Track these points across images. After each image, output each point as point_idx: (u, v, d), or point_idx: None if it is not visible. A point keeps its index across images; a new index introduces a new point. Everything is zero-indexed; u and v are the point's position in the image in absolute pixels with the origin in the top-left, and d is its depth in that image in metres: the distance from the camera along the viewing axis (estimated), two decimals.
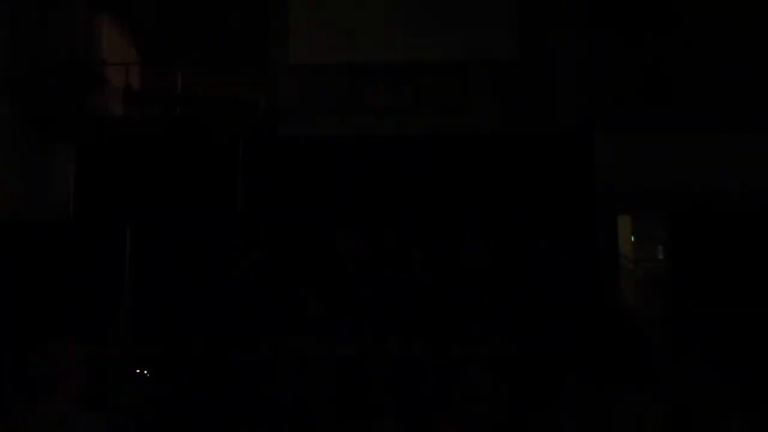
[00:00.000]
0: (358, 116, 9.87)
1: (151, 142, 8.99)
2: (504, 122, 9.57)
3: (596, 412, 2.35)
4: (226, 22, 11.32)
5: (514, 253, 7.64)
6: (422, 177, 8.47)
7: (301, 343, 6.76)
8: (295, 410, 3.76)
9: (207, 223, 8.19)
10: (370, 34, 9.91)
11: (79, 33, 10.78)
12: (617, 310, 8.80)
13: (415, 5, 9.98)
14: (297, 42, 9.99)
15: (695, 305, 7.49)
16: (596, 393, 2.37)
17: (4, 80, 9.21)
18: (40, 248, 7.99)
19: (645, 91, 9.08)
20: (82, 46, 10.81)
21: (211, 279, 7.69)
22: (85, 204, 8.90)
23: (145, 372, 3.73)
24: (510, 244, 7.67)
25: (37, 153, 9.72)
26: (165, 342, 6.55)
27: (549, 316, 7.13)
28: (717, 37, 9.22)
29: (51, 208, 9.61)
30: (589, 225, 8.23)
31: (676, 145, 9.34)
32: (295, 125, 9.76)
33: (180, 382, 4.91)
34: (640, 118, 9.04)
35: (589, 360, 2.37)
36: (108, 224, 8.25)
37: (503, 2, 9.87)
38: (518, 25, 9.78)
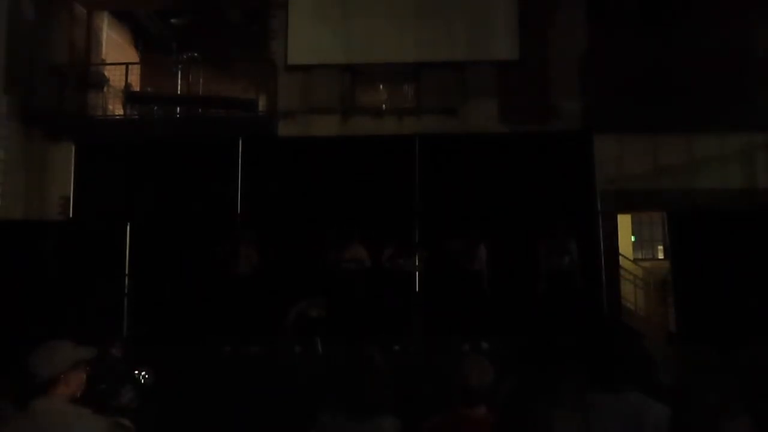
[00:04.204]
0: (357, 116, 9.85)
1: (150, 143, 8.97)
2: (504, 122, 9.55)
3: (595, 413, 2.35)
4: (226, 23, 11.31)
5: (513, 252, 7.63)
6: (422, 177, 8.47)
7: (300, 343, 6.75)
8: (293, 410, 3.76)
9: (206, 223, 8.17)
10: (370, 35, 9.90)
11: (79, 33, 10.79)
12: (617, 309, 8.80)
13: (415, 6, 9.97)
14: (296, 42, 9.98)
15: (695, 304, 7.49)
16: (595, 393, 2.37)
17: (4, 80, 9.21)
18: (40, 248, 7.99)
19: (645, 91, 9.06)
20: (82, 46, 10.82)
21: (210, 279, 7.67)
22: (84, 204, 8.90)
23: (144, 373, 3.73)
24: (509, 243, 7.66)
25: (37, 153, 9.72)
26: (163, 342, 6.54)
27: (549, 315, 7.12)
28: (716, 37, 9.20)
29: (51, 208, 9.62)
30: (590, 224, 8.22)
31: (676, 145, 9.33)
32: (294, 126, 9.75)
33: (179, 382, 4.92)
34: (640, 118, 9.02)
35: (588, 360, 2.36)
36: (107, 224, 8.25)
37: (503, 2, 9.86)
38: (518, 25, 9.77)
